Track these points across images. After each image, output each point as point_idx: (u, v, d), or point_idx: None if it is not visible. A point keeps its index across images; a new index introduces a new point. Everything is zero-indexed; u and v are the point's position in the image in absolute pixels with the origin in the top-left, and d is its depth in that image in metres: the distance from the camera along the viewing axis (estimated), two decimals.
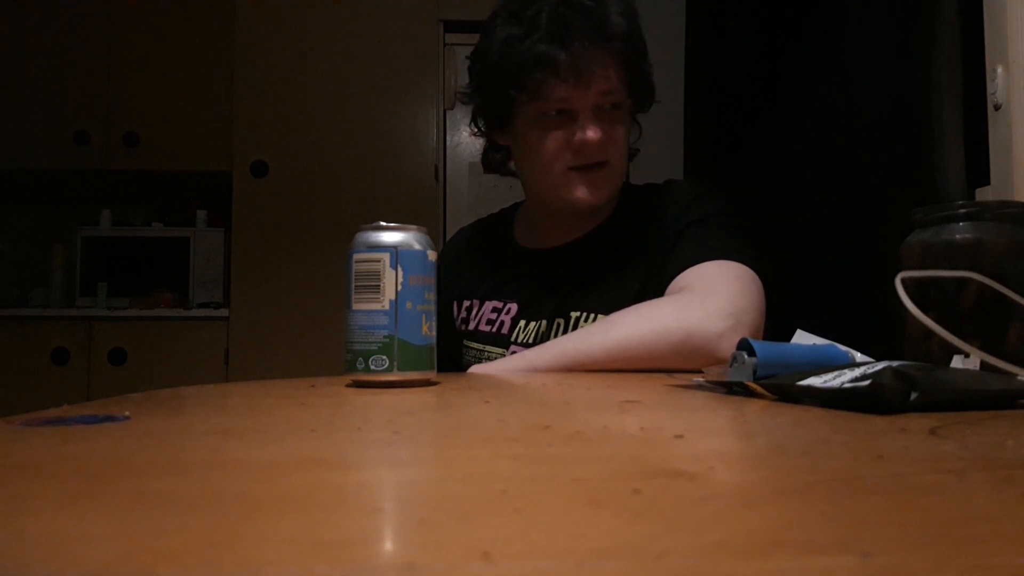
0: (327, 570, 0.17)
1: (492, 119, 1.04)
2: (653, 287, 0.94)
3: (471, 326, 1.09)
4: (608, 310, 0.94)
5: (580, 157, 0.98)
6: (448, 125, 2.61)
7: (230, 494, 0.25)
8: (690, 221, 0.96)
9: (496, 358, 1.04)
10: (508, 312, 1.06)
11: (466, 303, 1.11)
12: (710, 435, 0.41)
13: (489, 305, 1.08)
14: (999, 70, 1.06)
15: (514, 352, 1.03)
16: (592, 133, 0.95)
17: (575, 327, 0.98)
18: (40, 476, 0.28)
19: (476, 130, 1.08)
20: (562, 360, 0.85)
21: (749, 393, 0.54)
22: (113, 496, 0.25)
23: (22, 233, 2.91)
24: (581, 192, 0.99)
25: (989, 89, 1.09)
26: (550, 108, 0.96)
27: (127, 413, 0.44)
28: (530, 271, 1.07)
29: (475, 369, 0.92)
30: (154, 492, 0.26)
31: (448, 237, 2.40)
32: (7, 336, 2.43)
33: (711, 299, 0.84)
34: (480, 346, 1.07)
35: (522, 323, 1.04)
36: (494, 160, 1.10)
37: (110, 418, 0.42)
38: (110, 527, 0.21)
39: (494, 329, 1.06)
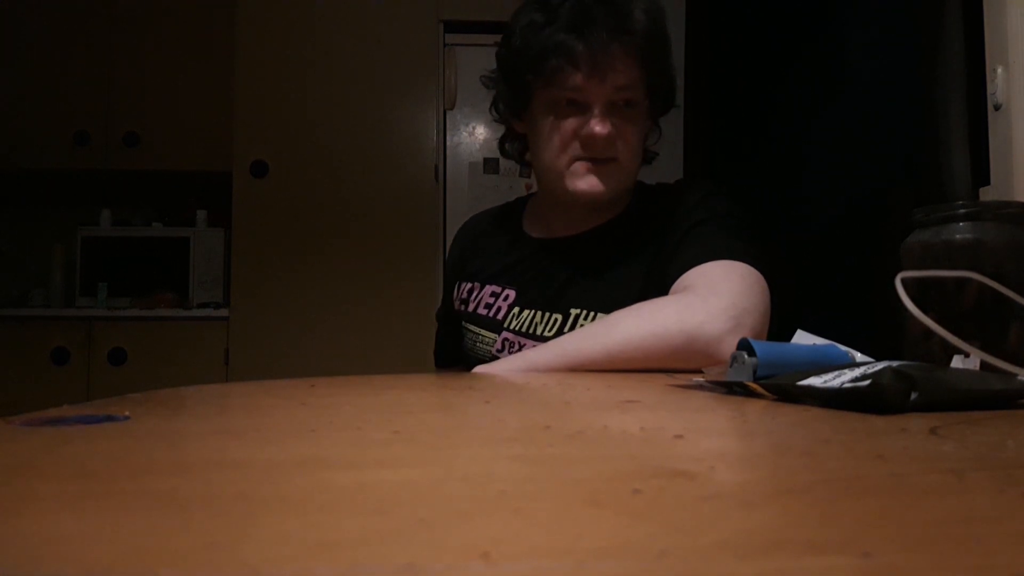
0: (327, 570, 0.17)
1: (510, 104, 1.05)
2: (656, 287, 0.94)
3: (470, 308, 1.11)
4: (609, 309, 0.93)
5: (587, 150, 0.98)
6: (448, 125, 2.61)
7: (230, 494, 0.25)
8: (696, 220, 0.96)
9: (490, 342, 1.06)
10: (506, 298, 1.07)
11: (467, 285, 1.13)
12: (710, 435, 0.41)
13: (489, 289, 1.09)
14: (999, 70, 1.06)
15: (505, 338, 1.04)
16: (600, 128, 0.95)
17: (574, 324, 0.98)
18: (40, 476, 0.28)
19: (496, 115, 1.09)
20: (562, 360, 0.85)
21: (749, 393, 0.54)
22: (113, 496, 0.25)
23: (22, 233, 2.91)
24: (584, 183, 0.99)
25: (989, 89, 1.09)
26: (564, 97, 0.97)
27: (127, 413, 0.44)
28: (532, 259, 1.08)
29: (478, 369, 0.92)
30: (154, 492, 0.26)
31: (448, 237, 2.40)
32: (7, 336, 2.44)
33: (713, 300, 0.84)
34: (477, 329, 1.09)
35: (516, 310, 1.05)
36: (510, 148, 1.12)
37: (110, 418, 0.42)
38: (110, 527, 0.21)
39: (490, 313, 1.07)
